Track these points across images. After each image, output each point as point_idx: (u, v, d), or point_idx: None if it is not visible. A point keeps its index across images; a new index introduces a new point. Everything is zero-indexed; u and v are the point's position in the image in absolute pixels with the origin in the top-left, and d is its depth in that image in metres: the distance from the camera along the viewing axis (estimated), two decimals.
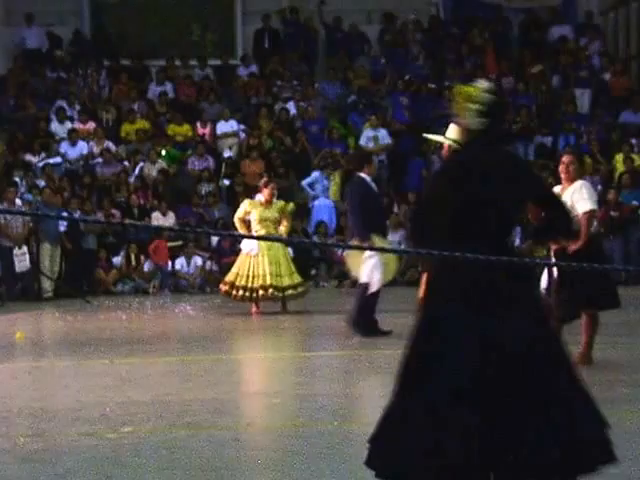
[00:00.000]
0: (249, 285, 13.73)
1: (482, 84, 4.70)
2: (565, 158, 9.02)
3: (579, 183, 8.92)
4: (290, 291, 13.90)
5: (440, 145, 8.18)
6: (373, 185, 11.55)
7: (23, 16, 22.49)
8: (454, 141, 8.29)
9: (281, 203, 14.18)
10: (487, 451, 4.38)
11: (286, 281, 13.83)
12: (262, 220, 13.80)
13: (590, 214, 8.83)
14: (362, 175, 11.38)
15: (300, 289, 14.05)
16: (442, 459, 4.36)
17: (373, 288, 11.11)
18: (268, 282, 13.71)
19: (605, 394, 7.80)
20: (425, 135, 9.41)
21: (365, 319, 11.20)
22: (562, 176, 8.92)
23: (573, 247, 8.61)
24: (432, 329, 4.51)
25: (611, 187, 18.86)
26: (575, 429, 4.49)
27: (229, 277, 14.04)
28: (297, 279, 14.03)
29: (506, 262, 4.37)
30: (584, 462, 4.51)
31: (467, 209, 4.50)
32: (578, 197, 8.79)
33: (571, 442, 4.46)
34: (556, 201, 4.79)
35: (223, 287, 14.09)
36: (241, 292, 13.80)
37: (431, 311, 4.56)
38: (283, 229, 14.00)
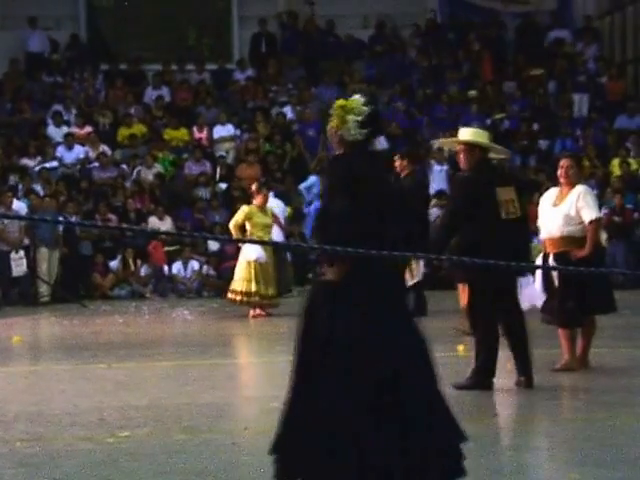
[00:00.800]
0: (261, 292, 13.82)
1: (360, 97, 4.97)
2: (564, 162, 9.01)
3: (581, 189, 8.91)
4: (265, 300, 14.03)
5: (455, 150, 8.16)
6: None
7: (22, 19, 22.47)
8: (466, 143, 8.28)
9: (271, 209, 14.32)
10: (377, 452, 4.57)
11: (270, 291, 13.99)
12: (256, 225, 13.80)
13: (597, 223, 8.83)
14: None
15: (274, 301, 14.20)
16: (338, 461, 4.57)
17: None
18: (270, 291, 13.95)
19: (603, 398, 7.80)
20: (436, 141, 9.44)
21: None
22: (561, 180, 8.92)
23: (581, 254, 8.63)
24: (321, 332, 4.73)
25: (615, 192, 18.87)
26: (430, 438, 4.68)
27: (242, 287, 13.86)
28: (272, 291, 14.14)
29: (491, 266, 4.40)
30: (430, 471, 4.67)
31: (355, 213, 4.76)
32: (583, 204, 8.77)
33: (423, 450, 4.65)
34: (416, 214, 5.20)
35: (236, 297, 13.93)
36: (257, 298, 13.88)
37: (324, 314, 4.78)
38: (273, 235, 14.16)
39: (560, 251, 8.77)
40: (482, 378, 8.12)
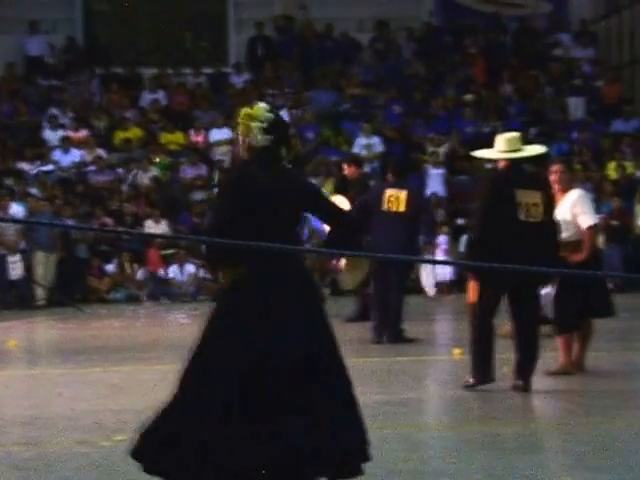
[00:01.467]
0: None
1: (263, 105, 5.20)
2: (556, 167, 9.01)
3: (577, 193, 8.92)
4: None
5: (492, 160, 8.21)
6: None
7: (20, 23, 22.45)
8: (506, 152, 8.29)
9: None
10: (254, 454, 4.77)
11: None
12: None
13: (594, 228, 8.84)
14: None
15: None
16: (210, 461, 4.79)
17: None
18: None
19: (599, 402, 7.81)
20: (475, 153, 9.48)
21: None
22: (554, 186, 8.92)
23: (578, 259, 8.64)
24: (213, 335, 5.04)
25: (613, 195, 18.88)
26: (337, 436, 4.89)
27: None
28: None
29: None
30: (343, 468, 4.93)
31: (259, 214, 4.99)
32: (579, 210, 8.78)
33: (331, 449, 4.86)
34: (337, 211, 5.21)
35: None
36: None
37: (216, 317, 5.10)
38: None
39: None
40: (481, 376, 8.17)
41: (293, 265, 5.02)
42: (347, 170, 12.81)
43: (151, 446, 4.99)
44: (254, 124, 5.10)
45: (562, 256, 8.73)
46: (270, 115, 5.14)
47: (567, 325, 8.84)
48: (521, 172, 8.40)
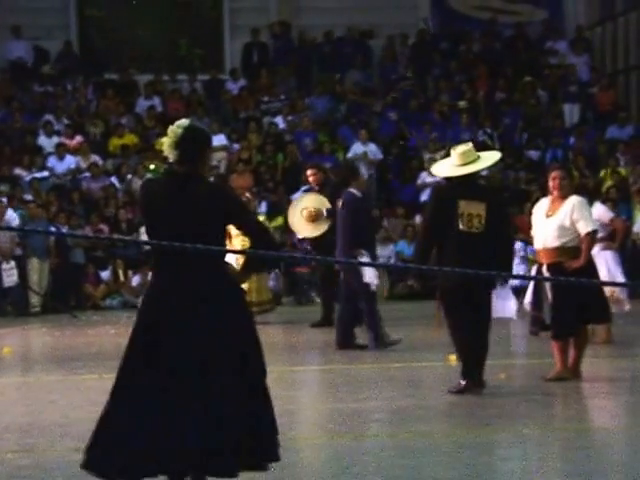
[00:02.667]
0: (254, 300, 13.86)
1: (184, 121, 5.48)
2: (555, 173, 9.02)
3: (576, 200, 8.92)
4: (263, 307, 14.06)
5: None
6: (363, 199, 11.63)
7: (16, 30, 22.46)
8: (462, 165, 8.43)
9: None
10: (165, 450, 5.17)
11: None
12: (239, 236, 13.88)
13: (592, 235, 8.85)
14: (352, 190, 11.41)
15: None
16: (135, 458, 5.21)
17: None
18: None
19: (594, 408, 7.80)
20: (432, 170, 9.61)
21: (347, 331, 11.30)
22: (554, 191, 8.93)
23: (575, 265, 8.65)
24: (138, 331, 5.39)
25: (603, 201, 18.85)
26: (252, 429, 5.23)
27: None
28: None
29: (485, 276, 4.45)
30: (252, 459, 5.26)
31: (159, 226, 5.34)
32: (579, 216, 8.79)
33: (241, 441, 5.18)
34: (254, 227, 5.52)
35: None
36: (256, 308, 13.89)
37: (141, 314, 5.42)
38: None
39: (554, 262, 8.79)
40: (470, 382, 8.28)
41: (205, 270, 5.24)
42: (312, 177, 12.57)
43: (96, 454, 5.42)
44: (165, 139, 5.46)
45: (559, 262, 8.74)
46: (180, 131, 5.38)
47: (564, 331, 8.85)
48: (467, 183, 8.48)
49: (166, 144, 5.43)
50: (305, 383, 9.70)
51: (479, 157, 8.54)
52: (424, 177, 20.04)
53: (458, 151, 8.47)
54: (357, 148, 20.49)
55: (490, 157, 8.90)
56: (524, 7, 24.01)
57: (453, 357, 10.10)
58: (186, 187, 5.31)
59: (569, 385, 8.75)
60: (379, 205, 19.43)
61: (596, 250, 9.63)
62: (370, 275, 11.09)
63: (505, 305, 8.59)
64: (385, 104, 21.95)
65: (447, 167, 8.64)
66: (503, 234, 8.44)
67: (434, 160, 20.23)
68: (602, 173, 20.04)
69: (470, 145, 8.62)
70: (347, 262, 11.51)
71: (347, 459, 6.31)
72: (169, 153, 5.43)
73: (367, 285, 11.09)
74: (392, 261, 18.10)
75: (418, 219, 19.41)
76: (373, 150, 20.55)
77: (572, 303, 8.71)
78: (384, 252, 17.92)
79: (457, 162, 8.45)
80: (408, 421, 7.52)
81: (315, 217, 12.31)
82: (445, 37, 23.49)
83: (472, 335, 8.35)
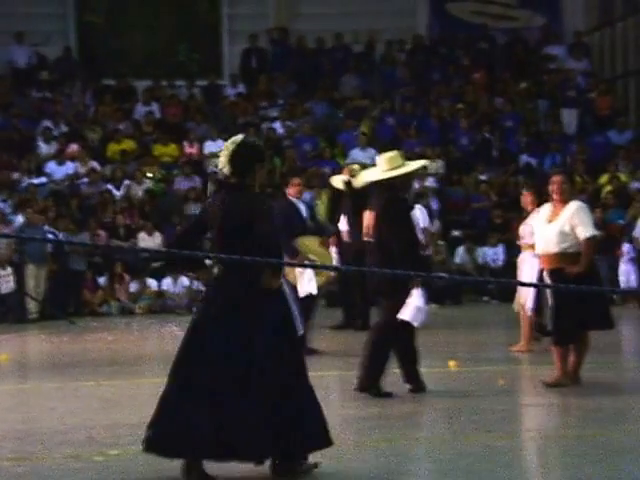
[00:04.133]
0: None
1: (235, 138, 6.06)
2: (556, 178, 9.00)
3: (576, 205, 8.89)
4: None
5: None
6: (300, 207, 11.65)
7: (9, 35, 22.44)
8: (389, 170, 8.64)
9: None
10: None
11: None
12: None
13: (592, 240, 8.81)
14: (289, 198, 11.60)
15: None
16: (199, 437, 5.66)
17: (300, 294, 11.03)
18: None
19: (595, 414, 7.78)
20: (362, 176, 9.81)
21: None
22: (555, 197, 8.90)
23: (575, 270, 8.62)
24: (198, 328, 5.88)
25: (597, 206, 18.86)
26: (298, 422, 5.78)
27: None
28: None
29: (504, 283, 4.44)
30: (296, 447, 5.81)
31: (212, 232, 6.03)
32: (578, 221, 8.76)
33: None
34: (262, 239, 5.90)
35: None
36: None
37: (199, 313, 6.00)
38: None
39: (555, 267, 8.76)
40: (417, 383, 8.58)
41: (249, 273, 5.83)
42: (291, 189, 12.33)
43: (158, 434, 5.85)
44: (221, 154, 6.04)
45: (560, 267, 8.71)
46: (231, 147, 5.98)
47: (564, 337, 8.81)
48: (372, 194, 8.75)
49: (221, 158, 5.99)
50: None
51: (404, 164, 8.60)
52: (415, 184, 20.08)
53: (385, 157, 8.59)
54: (356, 154, 20.48)
55: (415, 163, 8.98)
56: (522, 13, 24.03)
57: (453, 362, 10.09)
58: (232, 197, 5.93)
59: (569, 391, 8.73)
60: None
61: (529, 255, 9.54)
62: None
63: (412, 309, 8.47)
64: (383, 109, 21.94)
65: (374, 172, 8.74)
66: (393, 242, 8.37)
67: (429, 166, 20.27)
68: (602, 179, 20.05)
69: (397, 152, 8.78)
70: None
71: (344, 466, 6.28)
72: (224, 167, 5.97)
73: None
74: None
75: None
76: (373, 156, 20.55)
77: (573, 309, 8.67)
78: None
79: (386, 167, 8.53)
80: (407, 427, 7.49)
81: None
82: (443, 42, 23.50)
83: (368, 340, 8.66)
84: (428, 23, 23.70)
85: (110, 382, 9.84)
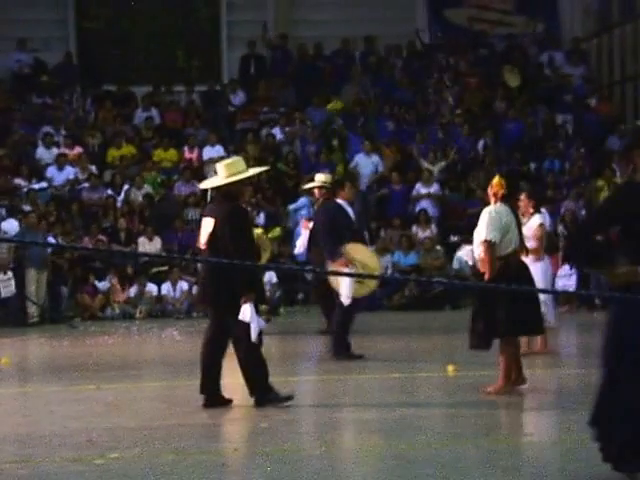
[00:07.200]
0: None
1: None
2: (495, 180, 8.98)
3: (486, 210, 8.86)
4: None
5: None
6: (349, 210, 11.63)
7: (10, 41, 22.47)
8: (229, 177, 8.73)
9: (258, 231, 14.15)
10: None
11: None
12: None
13: (488, 243, 8.67)
14: (338, 201, 11.51)
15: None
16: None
17: (345, 302, 11.09)
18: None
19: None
20: (202, 184, 10.02)
21: (339, 340, 11.26)
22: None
23: (486, 276, 8.63)
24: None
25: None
26: None
27: None
28: None
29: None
30: None
31: None
32: (481, 225, 8.79)
33: None
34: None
35: None
36: None
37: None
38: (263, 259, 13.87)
39: (482, 272, 8.80)
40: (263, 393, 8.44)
41: None
42: (343, 193, 12.27)
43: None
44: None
45: (482, 272, 8.71)
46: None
47: (476, 342, 8.71)
48: (212, 201, 8.77)
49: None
50: (302, 393, 9.69)
51: (246, 169, 8.60)
52: (419, 188, 20.09)
53: (224, 163, 8.63)
54: (360, 159, 20.56)
55: (253, 170, 9.07)
56: (520, 19, 24.08)
57: (451, 367, 10.13)
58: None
59: (567, 396, 8.75)
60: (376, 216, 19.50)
61: (529, 261, 9.50)
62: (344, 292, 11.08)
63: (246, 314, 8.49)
64: (381, 114, 21.99)
65: (218, 179, 8.68)
66: (227, 249, 8.29)
67: (429, 171, 20.32)
68: (600, 183, 20.09)
69: (238, 158, 8.89)
70: (347, 274, 11.50)
71: (345, 470, 6.31)
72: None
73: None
74: (389, 272, 18.12)
75: (414, 229, 19.49)
76: (377, 162, 20.62)
77: (489, 315, 8.56)
78: (381, 263, 17.93)
79: (225, 174, 8.51)
80: (406, 432, 7.52)
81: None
82: (441, 48, 23.55)
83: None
84: (419, 29, 23.66)
85: (110, 386, 9.87)
